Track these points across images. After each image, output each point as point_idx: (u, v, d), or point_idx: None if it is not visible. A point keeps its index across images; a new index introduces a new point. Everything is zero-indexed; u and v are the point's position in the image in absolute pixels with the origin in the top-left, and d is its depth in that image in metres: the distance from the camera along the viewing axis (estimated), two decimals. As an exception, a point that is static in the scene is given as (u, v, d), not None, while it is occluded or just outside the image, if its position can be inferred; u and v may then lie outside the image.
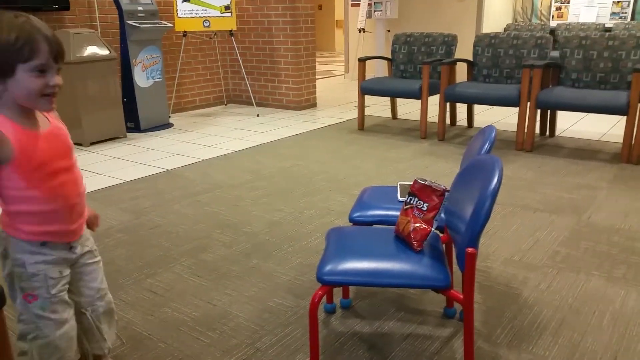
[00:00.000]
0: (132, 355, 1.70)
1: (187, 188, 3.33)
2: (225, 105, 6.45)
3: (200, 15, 5.43)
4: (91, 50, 4.36)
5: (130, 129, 4.89)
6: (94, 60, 4.34)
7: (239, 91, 6.47)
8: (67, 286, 1.36)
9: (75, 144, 1.42)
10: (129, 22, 4.65)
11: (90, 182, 3.45)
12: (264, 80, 6.19)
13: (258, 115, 5.71)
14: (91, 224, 1.49)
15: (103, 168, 3.79)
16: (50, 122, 1.28)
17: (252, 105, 6.19)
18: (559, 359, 1.65)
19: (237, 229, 2.68)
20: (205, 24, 5.47)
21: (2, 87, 1.15)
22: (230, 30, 5.63)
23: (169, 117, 5.41)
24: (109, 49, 4.48)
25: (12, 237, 1.28)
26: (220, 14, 5.49)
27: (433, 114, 4.95)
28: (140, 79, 4.87)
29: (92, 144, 4.44)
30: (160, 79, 5.06)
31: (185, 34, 5.64)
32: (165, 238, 2.58)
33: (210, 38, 6.13)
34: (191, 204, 3.04)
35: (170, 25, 5.00)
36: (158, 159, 4.02)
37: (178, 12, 5.35)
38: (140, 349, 1.73)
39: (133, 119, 4.91)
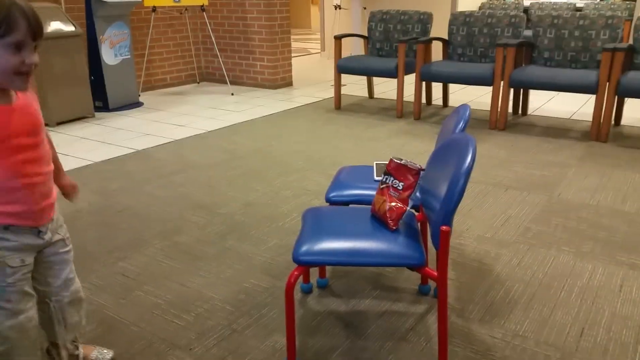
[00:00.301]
0: (105, 338, 1.68)
1: (159, 169, 3.28)
2: (198, 83, 6.34)
3: (170, -10, 5.27)
4: (55, 26, 4.20)
5: (98, 109, 4.77)
6: (59, 36, 4.19)
7: (212, 69, 6.35)
8: (28, 275, 1.28)
9: (41, 124, 1.36)
10: (96, -3, 4.49)
11: (59, 163, 3.36)
12: (237, 57, 6.08)
13: (232, 94, 5.63)
14: (68, 194, 1.43)
15: (70, 149, 3.70)
16: (18, 97, 1.19)
17: (226, 83, 6.09)
18: (530, 332, 1.69)
19: (212, 210, 2.66)
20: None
21: None
22: (202, 6, 5.49)
23: (139, 95, 5.29)
24: (74, 25, 4.33)
25: None
26: (191, -10, 5.35)
27: (409, 93, 4.96)
28: (108, 56, 4.73)
29: (58, 124, 4.31)
30: (129, 56, 4.92)
31: (154, 9, 5.48)
32: (137, 220, 2.54)
33: (181, 13, 5.98)
34: (163, 185, 2.99)
35: (139, 0, 4.85)
36: (128, 139, 3.94)
37: (147, -13, 5.18)
38: (113, 332, 1.71)
39: (101, 98, 4.78)
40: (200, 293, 1.93)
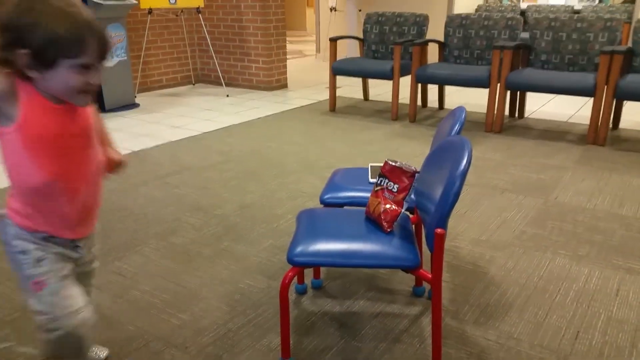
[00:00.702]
0: (102, 336, 1.66)
1: (155, 170, 3.27)
2: (194, 85, 6.33)
3: (167, -9, 5.27)
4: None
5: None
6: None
7: (208, 70, 6.34)
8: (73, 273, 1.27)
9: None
10: (93, -2, 4.48)
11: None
12: (232, 59, 6.08)
13: (227, 96, 5.62)
14: (114, 167, 1.36)
15: (67, 149, 3.68)
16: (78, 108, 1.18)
17: (221, 85, 6.09)
18: (524, 335, 1.69)
19: (208, 211, 2.65)
20: (171, 1, 5.32)
21: (38, 75, 1.06)
22: (198, 8, 5.49)
23: (135, 97, 5.28)
24: (71, 26, 4.31)
25: (10, 222, 1.20)
26: (188, -9, 5.34)
27: (405, 95, 4.96)
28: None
29: (55, 124, 4.29)
30: (125, 58, 4.91)
31: (150, 11, 5.48)
32: (133, 221, 2.53)
33: (177, 15, 5.98)
34: (159, 187, 2.98)
35: (135, 2, 4.84)
36: (124, 140, 3.93)
37: (144, -12, 5.18)
38: (110, 331, 1.70)
39: (97, 99, 4.76)
40: (196, 293, 1.92)
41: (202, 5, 5.46)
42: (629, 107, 4.79)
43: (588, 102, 5.13)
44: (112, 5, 4.60)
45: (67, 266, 1.26)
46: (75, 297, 1.25)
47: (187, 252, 2.23)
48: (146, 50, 5.70)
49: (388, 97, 5.42)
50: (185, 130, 4.20)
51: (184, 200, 2.79)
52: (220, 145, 3.80)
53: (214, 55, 6.08)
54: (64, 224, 1.22)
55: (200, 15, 5.71)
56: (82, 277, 1.35)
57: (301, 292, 1.94)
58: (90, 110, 1.23)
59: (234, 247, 2.28)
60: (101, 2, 4.49)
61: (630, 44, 3.87)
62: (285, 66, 6.08)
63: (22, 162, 1.12)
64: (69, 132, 1.16)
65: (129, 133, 4.11)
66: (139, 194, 2.87)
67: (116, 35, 4.79)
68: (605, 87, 3.66)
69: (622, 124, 4.28)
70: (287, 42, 6.08)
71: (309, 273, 2.02)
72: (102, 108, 4.77)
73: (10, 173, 1.16)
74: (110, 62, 4.76)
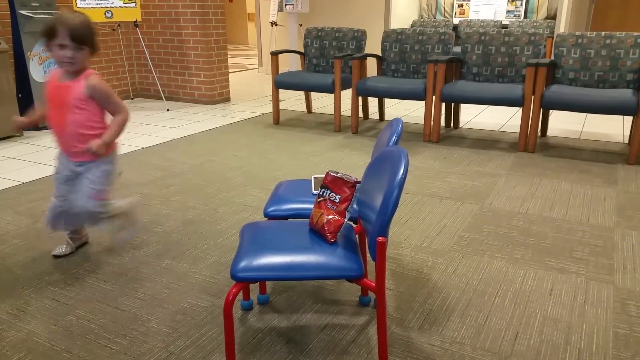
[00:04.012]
0: (32, 370, 1.57)
1: (92, 188, 3.14)
2: (132, 99, 6.16)
3: (101, 5, 5.13)
4: (-24, 40, 3.97)
5: (27, 128, 4.52)
6: (-19, 51, 3.96)
7: (147, 84, 6.20)
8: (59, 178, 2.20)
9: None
10: (21, 11, 4.30)
11: (-20, 185, 3.15)
12: (173, 73, 5.98)
13: (168, 110, 5.51)
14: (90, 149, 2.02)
15: (-5, 169, 3.48)
16: (73, 82, 2.01)
17: (162, 99, 5.96)
18: (467, 339, 1.73)
19: (148, 229, 2.57)
20: (107, 15, 5.18)
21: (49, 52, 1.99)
22: (135, 21, 5.37)
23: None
24: (-2, 40, 4.12)
25: None
26: (123, 4, 5.22)
27: (346, 108, 5.04)
28: (37, 73, 4.52)
29: (-19, 143, 4.06)
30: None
31: (85, 24, 5.29)
32: (67, 242, 2.42)
33: (114, 29, 5.82)
34: (96, 205, 2.86)
35: (68, 14, 4.67)
36: (58, 158, 3.75)
37: (77, 2, 5.02)
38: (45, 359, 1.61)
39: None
40: (135, 316, 1.85)
41: (139, 19, 5.34)
42: (555, 115, 5.08)
43: (517, 112, 5.40)
44: (44, 18, 4.42)
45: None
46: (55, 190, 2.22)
47: (125, 273, 2.15)
48: (80, 64, 5.50)
49: (330, 110, 5.49)
50: (123, 146, 4.07)
51: (123, 218, 2.69)
52: (161, 160, 3.71)
53: (152, 69, 5.95)
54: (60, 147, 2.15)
55: (137, 29, 5.59)
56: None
57: (247, 308, 1.91)
58: (75, 92, 2.01)
59: (176, 265, 2.22)
60: (31, 14, 4.31)
61: (552, 57, 4.11)
62: (227, 80, 6.03)
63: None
64: (58, 99, 2.03)
65: (62, 151, 3.93)
66: (74, 213, 2.75)
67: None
68: (533, 97, 3.87)
69: (550, 132, 4.53)
70: (229, 55, 6.04)
71: (254, 288, 2.00)
72: (35, 126, 4.54)
73: None
74: (43, 77, 4.56)
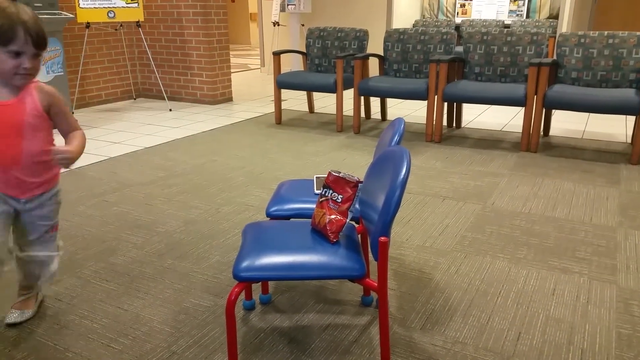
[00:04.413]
0: (34, 369, 1.57)
1: (93, 188, 3.15)
2: (135, 99, 6.17)
3: (104, 5, 5.14)
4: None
5: None
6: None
7: (149, 85, 6.21)
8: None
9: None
10: (23, 10, 4.30)
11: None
12: (175, 73, 5.98)
13: (170, 110, 5.51)
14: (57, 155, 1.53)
15: (-2, 169, 3.49)
16: (21, 96, 1.53)
17: (164, 99, 5.97)
18: (469, 339, 1.73)
19: (150, 229, 2.57)
20: (109, 15, 5.18)
21: None
22: (137, 21, 5.38)
23: (73, 113, 5.08)
24: (0, 40, 4.12)
25: None
26: (125, 5, 5.23)
27: (348, 108, 5.04)
28: (40, 73, 4.51)
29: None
30: (62, 73, 4.73)
31: (88, 25, 5.31)
32: (70, 242, 2.42)
33: (116, 30, 5.83)
34: (97, 205, 2.87)
35: (71, 16, 4.69)
36: (61, 157, 3.76)
37: (80, 2, 5.02)
38: (47, 359, 1.61)
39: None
40: (137, 315, 1.85)
41: (142, 19, 5.35)
42: (557, 115, 5.07)
43: (520, 111, 5.39)
44: (47, 19, 4.43)
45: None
46: None
47: (127, 273, 2.15)
48: (84, 65, 5.52)
49: (332, 110, 5.49)
50: (125, 146, 4.08)
51: (124, 218, 2.70)
52: (163, 160, 3.71)
53: (155, 69, 5.96)
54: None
55: (140, 29, 5.59)
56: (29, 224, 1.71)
57: (249, 308, 1.91)
58: (30, 108, 1.54)
59: (178, 265, 2.22)
60: (32, 15, 4.31)
61: (555, 57, 4.11)
62: (229, 80, 6.04)
63: None
64: (2, 123, 1.51)
65: (65, 151, 3.94)
66: (76, 213, 2.76)
67: (52, 50, 4.61)
68: (535, 97, 3.86)
69: (552, 131, 4.52)
70: (231, 55, 6.04)
71: (257, 288, 2.00)
72: None
73: None
74: (46, 77, 4.57)
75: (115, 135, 4.43)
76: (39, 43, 1.46)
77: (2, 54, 1.41)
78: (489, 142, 4.26)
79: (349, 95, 4.70)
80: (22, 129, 1.52)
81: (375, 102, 5.40)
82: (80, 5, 5.03)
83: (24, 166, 1.57)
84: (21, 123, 1.52)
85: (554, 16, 7.82)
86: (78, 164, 3.62)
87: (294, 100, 6.06)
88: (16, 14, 1.40)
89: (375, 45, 6.57)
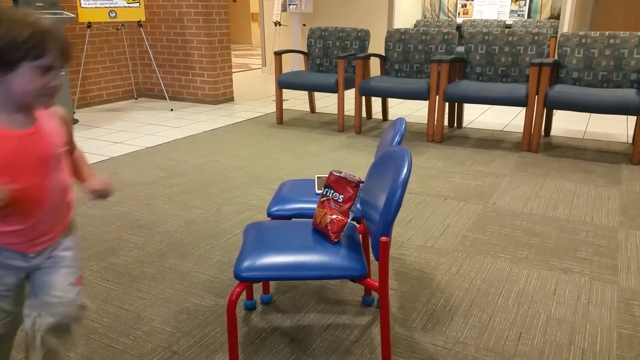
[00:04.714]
0: (36, 369, 1.57)
1: (96, 187, 3.15)
2: (136, 99, 6.18)
3: (105, 5, 5.14)
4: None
5: None
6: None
7: (150, 84, 6.21)
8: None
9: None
10: (25, 10, 4.31)
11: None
12: (176, 73, 5.99)
13: (172, 110, 5.52)
14: (98, 194, 1.35)
15: (-1, 169, 3.49)
16: (38, 122, 1.20)
17: (165, 99, 5.97)
18: (470, 339, 1.73)
19: (151, 228, 2.58)
20: (111, 15, 5.19)
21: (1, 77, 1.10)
22: (139, 21, 5.38)
23: (74, 112, 5.09)
24: (2, 40, 4.13)
25: None
26: (127, 4, 5.23)
27: (350, 108, 5.04)
28: (40, 72, 4.53)
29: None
30: (63, 73, 4.72)
31: (89, 24, 5.32)
32: (72, 241, 2.43)
33: (117, 29, 5.83)
34: (98, 205, 2.88)
35: (72, 15, 4.69)
36: (62, 157, 3.77)
37: (81, 1, 5.03)
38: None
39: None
40: (139, 315, 1.86)
41: (143, 18, 5.35)
42: (558, 115, 5.06)
43: (521, 111, 5.38)
44: (47, 18, 4.43)
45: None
46: None
47: (129, 272, 2.16)
48: (85, 64, 5.52)
49: (334, 110, 5.49)
50: (126, 146, 4.08)
51: (125, 218, 2.70)
52: (164, 160, 3.72)
53: (156, 69, 5.96)
54: (16, 243, 1.21)
55: (141, 28, 5.60)
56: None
57: (250, 308, 1.91)
58: (53, 135, 1.23)
59: (179, 264, 2.22)
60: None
61: (556, 57, 4.10)
62: (231, 79, 6.04)
63: None
64: (30, 158, 1.17)
65: (66, 150, 3.95)
66: (77, 212, 2.76)
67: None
68: (536, 97, 3.85)
69: (553, 132, 4.51)
70: (232, 55, 6.05)
71: (258, 288, 2.00)
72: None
73: None
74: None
75: (116, 135, 4.43)
76: (69, 55, 1.20)
77: (28, 71, 1.11)
78: (490, 142, 4.26)
79: (350, 95, 4.71)
80: (48, 162, 1.21)
81: (376, 102, 5.41)
82: (82, 5, 5.04)
83: (57, 204, 1.25)
84: (47, 155, 1.20)
85: (555, 16, 7.81)
86: (79, 163, 3.62)
87: (295, 100, 6.07)
88: (41, 21, 1.15)
89: (377, 45, 6.58)
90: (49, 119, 1.24)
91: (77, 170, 1.41)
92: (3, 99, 1.13)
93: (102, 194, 1.37)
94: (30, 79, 1.12)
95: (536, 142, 3.92)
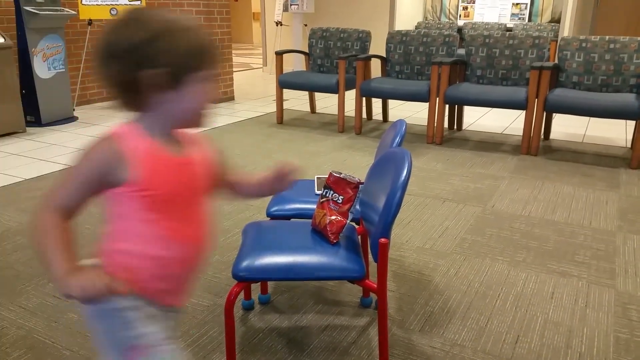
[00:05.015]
0: (34, 366, 1.58)
1: (95, 185, 3.15)
2: (137, 98, 6.17)
3: (106, 2, 5.14)
4: (-18, 36, 3.99)
5: (30, 123, 4.54)
6: (-14, 48, 3.98)
7: (151, 83, 6.21)
8: None
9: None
10: (26, 8, 4.30)
11: (-16, 181, 3.17)
12: (177, 72, 5.98)
13: (172, 109, 5.51)
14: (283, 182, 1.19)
15: (0, 165, 3.50)
16: (187, 145, 1.04)
17: (166, 98, 5.97)
18: (467, 341, 1.74)
19: (150, 227, 2.58)
20: (112, 12, 5.19)
21: (172, 95, 0.91)
22: (140, 20, 5.37)
23: (74, 110, 5.08)
24: (3, 37, 4.12)
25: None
26: (128, 2, 5.24)
27: (350, 108, 5.04)
28: (41, 70, 4.53)
29: (-15, 139, 4.08)
30: (63, 70, 4.74)
31: (90, 22, 5.31)
32: (71, 239, 2.43)
33: (119, 27, 5.83)
34: (97, 203, 2.87)
35: (73, 12, 4.69)
36: (61, 154, 3.77)
37: (82, -2, 5.03)
38: (46, 357, 1.61)
39: (33, 113, 4.55)
40: (137, 314, 1.86)
41: (143, 17, 5.35)
42: (558, 119, 5.07)
43: (521, 114, 5.38)
44: (49, 15, 4.43)
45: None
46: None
47: (128, 270, 2.16)
48: (86, 62, 5.52)
49: (334, 110, 5.49)
50: (126, 145, 4.08)
51: (126, 216, 2.70)
52: (164, 159, 3.71)
53: (156, 68, 5.96)
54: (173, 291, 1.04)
55: (141, 27, 5.59)
56: None
57: (248, 308, 1.91)
58: (206, 165, 1.08)
59: (179, 263, 2.22)
60: (36, 11, 4.32)
61: (556, 61, 4.11)
62: (231, 79, 6.04)
63: (137, 228, 0.98)
64: (189, 189, 1.00)
65: (66, 147, 3.95)
66: (77, 211, 2.76)
67: (54, 46, 4.62)
68: (536, 100, 3.86)
69: (553, 135, 4.52)
70: (233, 55, 6.05)
71: (256, 288, 2.00)
72: (39, 122, 4.57)
73: (117, 238, 1.01)
74: (47, 74, 4.57)
75: (116, 133, 4.43)
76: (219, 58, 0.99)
77: (195, 84, 0.92)
78: (490, 144, 4.26)
79: (350, 96, 4.71)
80: (201, 194, 1.06)
81: (377, 103, 5.40)
82: (83, 2, 5.03)
83: (207, 242, 1.07)
84: (202, 187, 1.05)
85: (556, 20, 7.82)
86: (79, 161, 3.62)
87: (296, 100, 6.07)
88: (200, 28, 0.95)
89: (378, 47, 6.58)
90: (197, 141, 1.09)
91: (246, 183, 1.26)
92: (160, 121, 0.95)
93: (287, 176, 1.19)
94: (197, 93, 0.93)
95: (535, 146, 3.93)
